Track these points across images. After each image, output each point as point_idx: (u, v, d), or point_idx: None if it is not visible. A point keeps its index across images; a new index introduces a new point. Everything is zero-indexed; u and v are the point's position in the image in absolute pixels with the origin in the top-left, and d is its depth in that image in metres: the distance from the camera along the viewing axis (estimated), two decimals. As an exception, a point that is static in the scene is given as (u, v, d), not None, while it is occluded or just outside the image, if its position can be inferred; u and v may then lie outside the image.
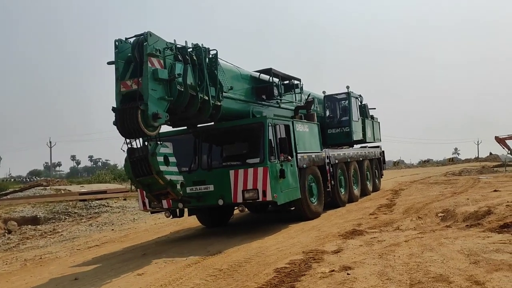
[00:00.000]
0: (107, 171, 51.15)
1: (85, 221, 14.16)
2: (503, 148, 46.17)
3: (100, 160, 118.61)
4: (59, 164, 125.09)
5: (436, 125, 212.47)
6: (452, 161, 61.07)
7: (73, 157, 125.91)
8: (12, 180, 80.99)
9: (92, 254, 9.22)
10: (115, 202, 17.67)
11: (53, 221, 14.22)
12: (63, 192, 23.36)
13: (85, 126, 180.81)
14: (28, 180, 70.39)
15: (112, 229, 12.70)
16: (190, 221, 12.58)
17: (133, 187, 14.98)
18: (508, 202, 9.28)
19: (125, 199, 19.01)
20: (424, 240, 6.94)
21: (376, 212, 11.15)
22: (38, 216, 14.42)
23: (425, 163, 65.44)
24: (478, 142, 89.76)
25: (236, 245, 8.25)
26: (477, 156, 71.98)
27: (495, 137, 46.00)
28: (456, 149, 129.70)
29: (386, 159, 21.27)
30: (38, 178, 67.12)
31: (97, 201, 17.70)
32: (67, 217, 14.56)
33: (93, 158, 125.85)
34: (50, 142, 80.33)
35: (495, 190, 12.49)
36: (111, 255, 8.88)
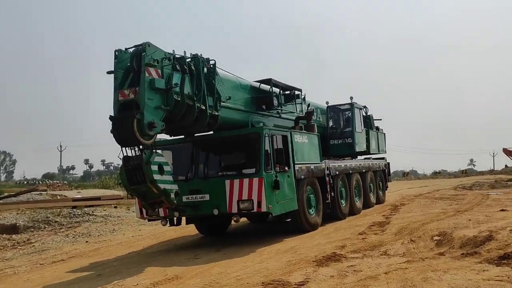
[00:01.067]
0: (111, 176, 50.83)
1: (63, 230, 13.39)
2: None
3: (112, 164, 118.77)
4: (72, 168, 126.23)
5: (453, 136, 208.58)
6: (465, 173, 58.42)
7: (86, 161, 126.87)
8: (26, 182, 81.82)
9: (52, 271, 8.50)
10: (104, 210, 17.05)
11: (32, 230, 13.45)
12: (58, 197, 22.80)
13: (98, 131, 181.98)
14: (41, 183, 70.70)
15: (87, 241, 11.92)
16: (169, 234, 11.96)
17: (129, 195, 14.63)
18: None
19: (115, 207, 18.40)
20: (408, 272, 5.93)
21: (367, 231, 10.08)
22: (18, 224, 13.72)
23: (436, 174, 63.80)
24: (494, 154, 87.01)
25: (197, 268, 7.43)
26: (492, 168, 69.86)
27: (503, 149, 43.83)
28: (472, 160, 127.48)
29: (399, 169, 20.76)
30: (51, 181, 67.52)
31: (86, 209, 17.14)
32: (46, 226, 13.80)
33: (105, 162, 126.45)
34: (61, 146, 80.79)
35: (502, 210, 11.43)
36: (67, 274, 8.08)
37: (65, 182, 57.38)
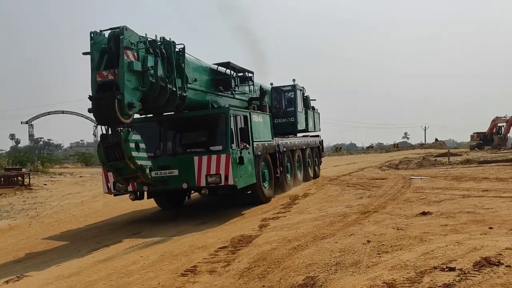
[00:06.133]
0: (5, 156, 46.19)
1: None
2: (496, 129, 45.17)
3: (42, 140, 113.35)
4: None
5: (389, 109, 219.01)
6: (397, 147, 60.51)
7: (12, 136, 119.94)
8: None
9: None
10: None
11: None
12: None
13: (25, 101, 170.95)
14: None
15: None
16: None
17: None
18: (436, 265, 4.70)
19: None
20: None
21: (203, 264, 6.19)
22: None
23: (369, 149, 65.37)
24: (425, 127, 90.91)
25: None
26: (423, 142, 73.01)
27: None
28: (406, 133, 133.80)
29: (339, 142, 22.00)
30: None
31: None
32: None
33: (34, 137, 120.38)
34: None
35: (423, 213, 8.13)
36: None
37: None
